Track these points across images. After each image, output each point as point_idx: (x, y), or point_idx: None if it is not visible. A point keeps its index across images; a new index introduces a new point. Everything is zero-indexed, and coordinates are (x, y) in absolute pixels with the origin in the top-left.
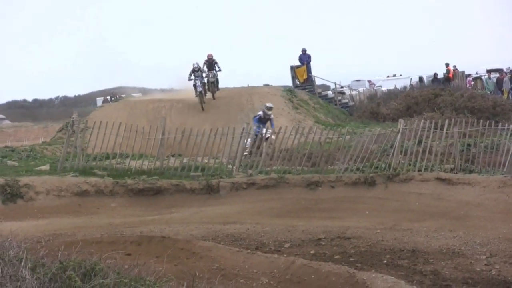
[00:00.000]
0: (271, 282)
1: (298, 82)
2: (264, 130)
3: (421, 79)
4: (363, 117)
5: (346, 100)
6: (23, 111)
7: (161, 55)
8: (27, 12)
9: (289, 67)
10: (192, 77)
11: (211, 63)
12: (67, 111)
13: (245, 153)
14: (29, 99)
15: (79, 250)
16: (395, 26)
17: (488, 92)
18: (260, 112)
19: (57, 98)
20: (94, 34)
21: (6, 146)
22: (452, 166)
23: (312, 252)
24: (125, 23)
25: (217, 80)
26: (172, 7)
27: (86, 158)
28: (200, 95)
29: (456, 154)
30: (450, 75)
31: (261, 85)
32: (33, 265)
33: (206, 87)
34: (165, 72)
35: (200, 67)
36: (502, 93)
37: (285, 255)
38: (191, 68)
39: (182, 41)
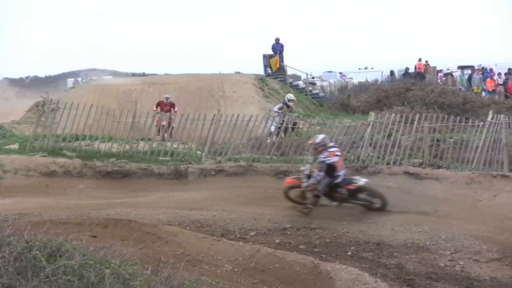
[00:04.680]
0: (235, 269)
1: (270, 71)
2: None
3: (392, 72)
4: (333, 108)
5: (317, 91)
6: None
7: (133, 40)
8: None
9: (262, 56)
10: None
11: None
12: (38, 90)
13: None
14: None
15: (45, 231)
16: (368, 19)
17: (462, 89)
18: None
19: (27, 77)
20: (67, 15)
21: None
22: (421, 160)
23: (277, 241)
24: (99, 5)
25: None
26: None
27: (55, 139)
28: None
29: (425, 149)
30: (422, 70)
31: (233, 72)
32: None
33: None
34: (137, 57)
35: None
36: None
37: (250, 243)
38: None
39: (154, 26)
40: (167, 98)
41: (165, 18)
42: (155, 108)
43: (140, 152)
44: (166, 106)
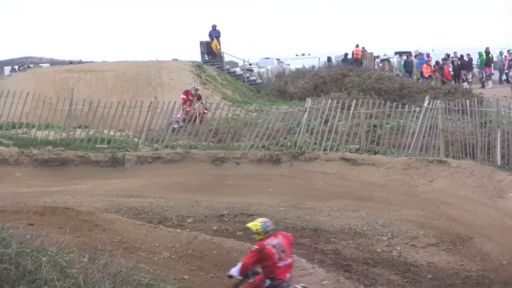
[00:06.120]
0: (173, 256)
1: (207, 58)
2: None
3: (329, 59)
4: (270, 94)
5: (254, 78)
6: None
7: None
8: None
9: (199, 43)
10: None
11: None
12: None
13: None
14: None
15: None
16: (306, 7)
17: (400, 74)
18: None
19: None
20: (4, 2)
21: None
22: (357, 146)
23: (214, 227)
24: None
25: None
26: None
27: None
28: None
29: (362, 135)
30: (359, 56)
31: (170, 59)
32: None
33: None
34: (75, 45)
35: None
36: (411, 75)
37: (187, 230)
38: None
39: (92, 14)
40: (196, 89)
41: (103, 5)
42: (184, 96)
43: (77, 139)
44: (194, 97)
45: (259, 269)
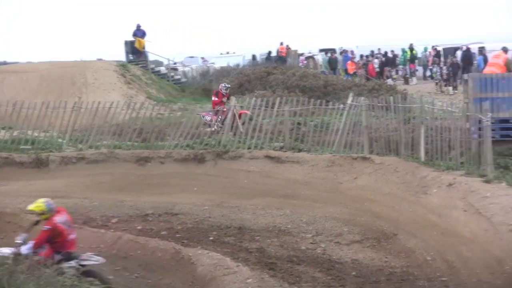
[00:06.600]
0: None
1: (132, 57)
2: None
3: (254, 57)
4: (195, 93)
5: (179, 76)
6: None
7: None
8: None
9: (123, 42)
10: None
11: None
12: None
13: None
14: None
15: None
16: (230, 6)
17: (325, 71)
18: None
19: None
20: None
21: None
22: (282, 144)
23: (139, 227)
24: None
25: None
26: None
27: None
28: None
29: (286, 133)
30: (283, 54)
31: (95, 59)
32: None
33: None
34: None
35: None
36: (335, 72)
37: (112, 230)
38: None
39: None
40: (226, 88)
41: (27, 4)
42: (216, 99)
43: (1, 141)
44: (224, 97)
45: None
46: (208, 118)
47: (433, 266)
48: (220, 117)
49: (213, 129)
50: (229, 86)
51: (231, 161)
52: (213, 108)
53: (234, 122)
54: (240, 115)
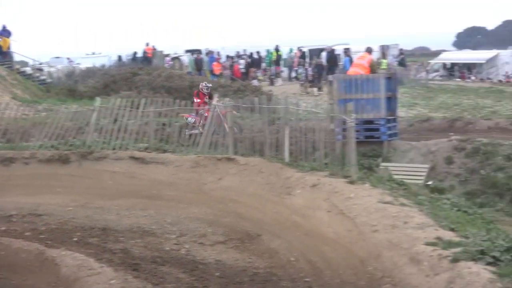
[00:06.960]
0: None
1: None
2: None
3: (120, 58)
4: (60, 94)
5: (44, 77)
6: None
7: None
8: None
9: None
10: None
11: None
12: None
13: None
14: None
15: None
16: (93, 6)
17: (192, 72)
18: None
19: None
20: None
21: None
22: (146, 145)
23: (3, 228)
24: None
25: None
26: None
27: None
28: None
29: (151, 133)
30: (149, 55)
31: None
32: None
33: None
34: None
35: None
36: (201, 73)
37: None
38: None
39: None
40: (207, 88)
41: None
42: (199, 100)
43: None
44: (205, 97)
45: None
46: (192, 120)
47: (296, 266)
48: (202, 119)
49: (197, 131)
50: (210, 85)
51: (96, 162)
52: (196, 109)
53: (220, 122)
54: (225, 115)
